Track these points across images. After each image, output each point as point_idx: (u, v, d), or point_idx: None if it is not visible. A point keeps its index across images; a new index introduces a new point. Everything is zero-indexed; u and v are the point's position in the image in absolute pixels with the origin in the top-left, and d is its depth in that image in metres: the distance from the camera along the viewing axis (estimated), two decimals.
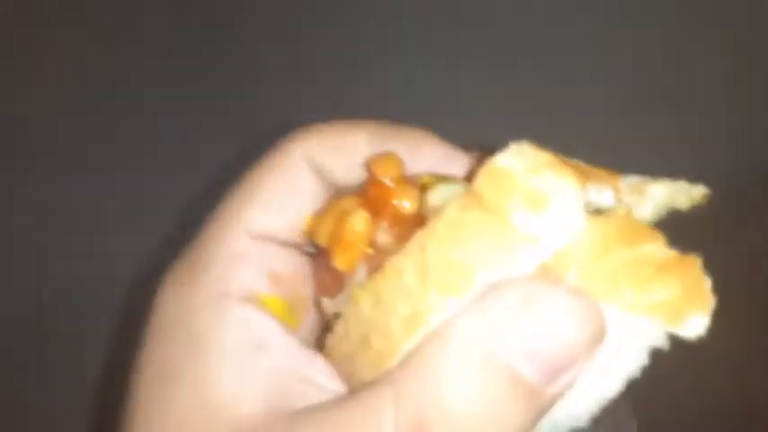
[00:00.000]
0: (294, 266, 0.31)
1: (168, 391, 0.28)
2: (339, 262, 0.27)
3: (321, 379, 0.28)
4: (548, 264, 0.23)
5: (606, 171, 0.28)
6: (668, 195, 0.28)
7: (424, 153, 0.31)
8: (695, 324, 0.24)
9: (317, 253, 0.30)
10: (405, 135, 0.31)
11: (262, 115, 0.84)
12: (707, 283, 0.24)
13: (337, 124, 0.32)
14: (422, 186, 0.29)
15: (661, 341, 0.26)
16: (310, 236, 0.30)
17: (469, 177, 0.28)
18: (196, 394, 0.27)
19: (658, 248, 0.24)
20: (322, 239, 0.29)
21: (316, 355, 0.29)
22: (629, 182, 0.28)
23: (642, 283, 0.23)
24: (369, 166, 0.30)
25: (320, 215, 0.30)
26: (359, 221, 0.27)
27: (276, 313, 0.29)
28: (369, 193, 0.29)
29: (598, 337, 0.23)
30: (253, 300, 0.29)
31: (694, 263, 0.24)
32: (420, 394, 0.24)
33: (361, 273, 0.27)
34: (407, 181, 0.29)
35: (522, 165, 0.24)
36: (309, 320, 0.31)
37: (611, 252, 0.23)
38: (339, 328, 0.27)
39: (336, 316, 0.28)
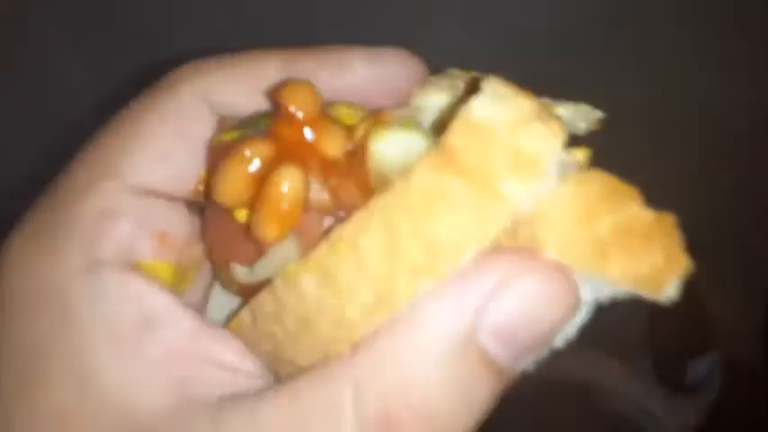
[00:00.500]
0: (183, 226, 0.25)
1: (38, 386, 0.23)
2: (267, 232, 0.22)
3: (231, 359, 0.23)
4: (527, 230, 0.20)
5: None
6: (570, 118, 0.26)
7: (350, 67, 0.26)
8: (672, 289, 0.22)
9: (213, 210, 0.25)
10: (322, 55, 0.26)
11: (158, 45, 0.73)
12: (681, 243, 0.22)
13: (241, 55, 0.26)
14: (337, 120, 0.24)
15: (607, 298, 0.23)
16: (206, 193, 0.25)
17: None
18: (76, 384, 0.22)
19: (639, 211, 0.21)
20: (225, 198, 0.23)
21: (219, 329, 0.24)
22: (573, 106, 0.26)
23: (629, 256, 0.21)
24: (277, 98, 0.24)
25: (219, 166, 0.23)
26: (292, 181, 0.22)
27: (164, 282, 0.24)
28: (280, 135, 0.24)
29: (571, 314, 0.21)
30: (134, 266, 0.24)
31: (670, 223, 0.22)
32: (385, 383, 0.21)
33: (290, 241, 0.23)
34: (325, 116, 0.24)
35: (504, 116, 0.20)
36: (200, 289, 0.26)
37: (595, 218, 0.20)
38: (260, 303, 0.22)
39: (251, 288, 0.24)
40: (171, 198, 0.25)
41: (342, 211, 0.23)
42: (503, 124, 0.20)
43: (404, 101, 0.27)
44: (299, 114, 0.24)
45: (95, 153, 0.25)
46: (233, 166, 0.23)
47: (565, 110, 0.26)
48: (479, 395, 0.21)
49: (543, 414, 0.99)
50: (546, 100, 0.26)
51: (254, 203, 0.23)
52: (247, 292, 0.24)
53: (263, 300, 0.22)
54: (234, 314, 0.24)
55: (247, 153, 0.23)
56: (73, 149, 0.26)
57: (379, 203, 0.20)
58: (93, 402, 0.22)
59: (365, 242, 0.20)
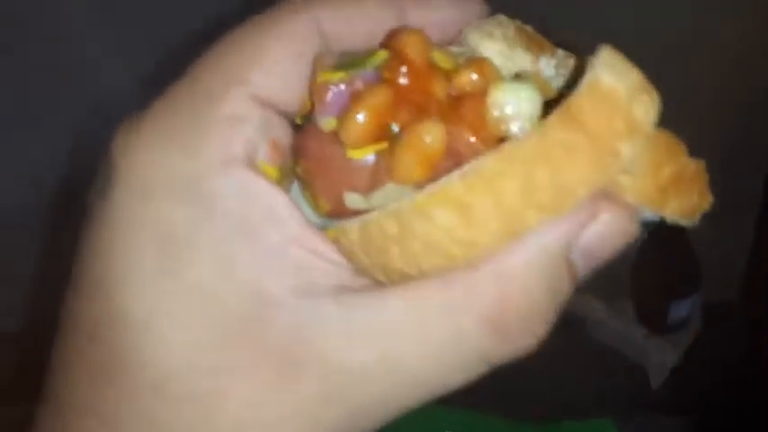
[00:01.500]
0: (288, 138, 0.27)
1: (179, 261, 0.25)
2: (412, 174, 0.25)
3: (336, 257, 0.26)
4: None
5: (548, 41, 0.31)
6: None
7: (435, 5, 0.29)
8: (698, 218, 0.28)
9: (321, 140, 0.27)
10: None
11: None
12: (707, 183, 0.28)
13: None
14: (438, 67, 0.27)
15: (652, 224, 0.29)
16: (304, 121, 0.27)
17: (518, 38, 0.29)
18: (217, 265, 0.25)
19: (687, 161, 0.27)
20: (349, 138, 0.25)
21: (320, 231, 0.26)
22: (559, 54, 0.31)
23: (680, 197, 0.27)
24: (396, 45, 0.26)
25: (350, 112, 0.26)
26: (435, 134, 0.25)
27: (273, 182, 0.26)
28: (395, 80, 0.26)
29: (631, 242, 0.27)
30: (256, 168, 0.26)
31: (702, 168, 0.28)
32: (500, 286, 0.25)
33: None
34: (432, 63, 0.26)
35: (622, 86, 0.24)
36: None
37: (660, 169, 0.26)
38: (379, 225, 0.25)
39: (345, 213, 0.26)
40: (282, 112, 0.27)
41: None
42: (621, 93, 0.24)
43: (455, 39, 0.30)
44: (413, 63, 0.26)
45: (222, 60, 0.27)
46: (357, 112, 0.25)
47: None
48: (563, 297, 0.26)
49: None
50: (568, 53, 0.31)
51: (392, 146, 0.25)
52: (339, 215, 0.27)
53: (384, 221, 0.25)
54: (326, 227, 0.27)
55: (370, 101, 0.25)
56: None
57: (520, 152, 0.24)
58: (231, 282, 0.25)
59: (504, 183, 0.24)
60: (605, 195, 0.25)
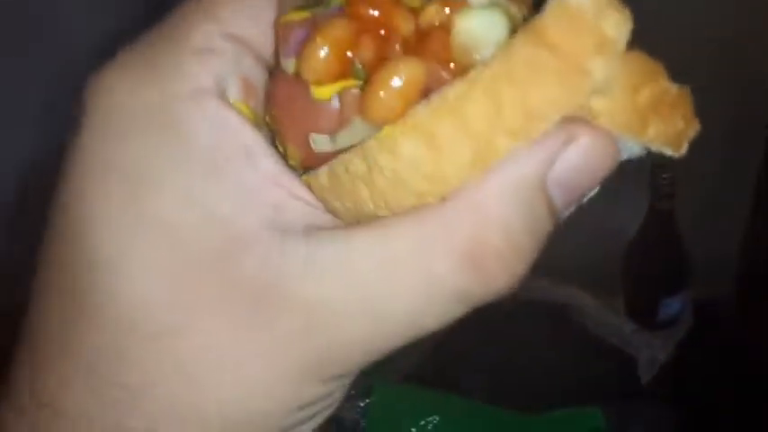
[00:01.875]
0: (261, 81, 0.27)
1: (147, 194, 0.24)
2: (381, 114, 0.24)
3: (311, 199, 0.25)
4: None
5: None
6: None
7: None
8: (684, 147, 0.27)
9: (286, 84, 0.26)
10: None
11: None
12: (692, 109, 0.27)
13: None
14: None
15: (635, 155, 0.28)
16: (274, 67, 0.27)
17: None
18: (185, 200, 0.24)
19: (667, 84, 0.25)
20: (310, 74, 0.25)
21: (295, 173, 0.26)
22: None
23: (661, 122, 0.25)
24: None
25: (309, 46, 0.25)
26: (413, 70, 0.24)
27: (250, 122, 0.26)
28: (356, 15, 0.25)
29: (611, 171, 0.25)
30: (228, 102, 0.25)
31: (687, 94, 0.26)
32: (472, 223, 0.23)
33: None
34: None
35: (589, 3, 0.23)
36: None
37: (636, 92, 0.25)
38: (346, 164, 0.25)
39: (317, 158, 0.25)
40: (257, 55, 0.27)
41: None
42: (589, 10, 0.23)
43: None
44: None
45: (193, 2, 0.26)
46: (318, 45, 0.25)
47: None
48: (543, 234, 0.24)
49: (520, 332, 1.03)
50: None
51: (369, 82, 0.24)
52: (311, 162, 0.26)
53: (350, 160, 0.24)
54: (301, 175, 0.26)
55: (330, 34, 0.25)
56: None
57: (483, 76, 0.23)
58: (199, 215, 0.24)
59: (468, 107, 0.23)
60: (581, 121, 0.24)
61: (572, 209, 0.26)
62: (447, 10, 0.25)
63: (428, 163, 0.23)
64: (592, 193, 0.26)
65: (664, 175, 1.01)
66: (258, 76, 0.27)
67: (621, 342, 1.09)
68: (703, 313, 1.15)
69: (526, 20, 0.28)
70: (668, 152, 0.26)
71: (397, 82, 0.24)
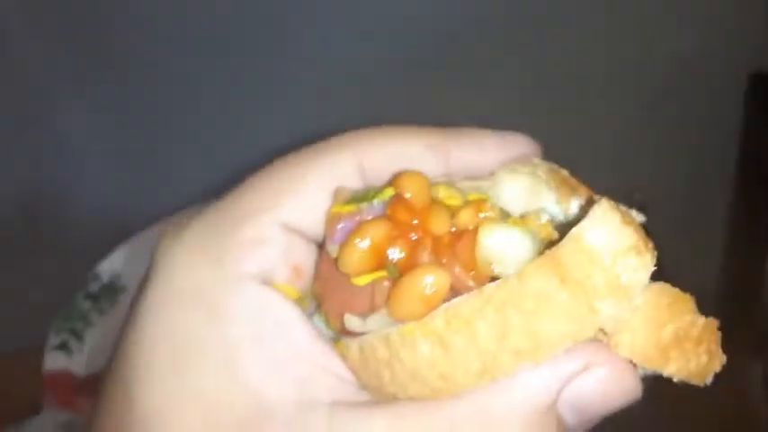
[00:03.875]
0: (311, 262, 0.30)
1: (188, 364, 0.27)
2: (405, 313, 0.26)
3: (341, 372, 0.28)
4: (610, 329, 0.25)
5: (585, 186, 0.31)
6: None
7: (484, 148, 0.31)
8: (710, 379, 0.27)
9: (331, 267, 0.29)
10: (461, 134, 0.31)
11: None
12: (719, 342, 0.27)
13: (394, 129, 0.31)
14: (442, 202, 0.29)
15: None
16: (321, 250, 0.29)
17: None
18: (222, 371, 0.27)
19: (693, 318, 0.26)
20: (347, 266, 0.28)
21: (330, 346, 0.28)
22: (592, 199, 0.30)
23: (683, 357, 0.26)
24: (396, 185, 0.29)
25: (348, 241, 0.28)
26: (438, 280, 0.26)
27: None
28: (395, 217, 0.28)
29: (632, 401, 0.26)
30: (271, 285, 0.28)
31: (714, 325, 0.27)
32: (478, 425, 0.25)
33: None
34: (433, 200, 0.29)
35: (608, 244, 0.24)
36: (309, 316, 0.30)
37: (660, 327, 0.25)
38: (372, 346, 0.27)
39: (355, 334, 0.28)
40: (309, 238, 0.30)
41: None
42: (607, 251, 0.24)
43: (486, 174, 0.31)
44: (413, 201, 0.28)
45: (261, 184, 0.29)
46: (357, 243, 0.27)
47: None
48: None
49: None
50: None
51: (394, 281, 0.27)
52: (347, 334, 0.28)
53: (376, 345, 0.27)
54: (337, 342, 0.28)
55: (372, 232, 0.28)
56: None
57: (496, 296, 0.25)
58: (235, 388, 0.27)
59: (479, 324, 0.25)
60: (600, 349, 0.25)
61: (588, 427, 0.27)
62: (481, 215, 0.27)
63: (441, 364, 0.25)
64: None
65: (636, 195, 0.99)
66: (308, 258, 0.30)
67: None
68: None
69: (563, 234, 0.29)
70: (691, 383, 0.27)
71: (421, 289, 0.26)
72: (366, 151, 0.30)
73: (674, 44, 1.00)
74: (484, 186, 0.30)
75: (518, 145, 0.31)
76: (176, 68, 0.96)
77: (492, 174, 0.31)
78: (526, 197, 0.30)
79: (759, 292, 1.14)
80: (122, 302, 0.84)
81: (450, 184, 0.30)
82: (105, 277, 0.86)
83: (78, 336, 0.83)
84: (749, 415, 1.11)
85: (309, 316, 0.30)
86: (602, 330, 0.25)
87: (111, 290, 0.86)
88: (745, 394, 1.11)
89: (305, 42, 0.95)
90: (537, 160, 0.31)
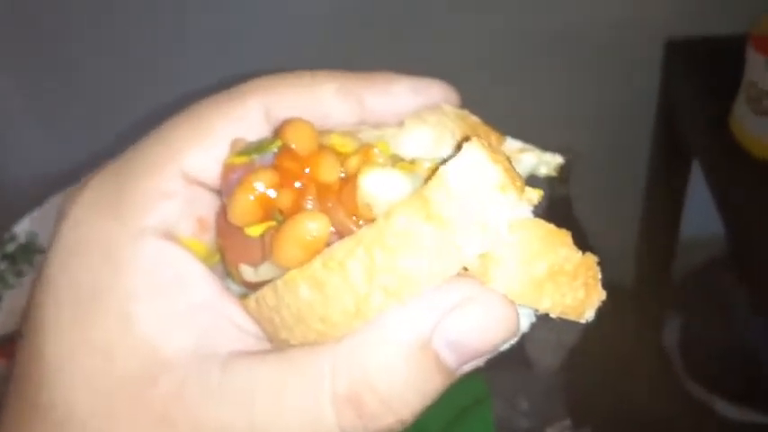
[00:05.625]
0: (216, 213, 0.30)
1: (89, 315, 0.27)
2: (287, 260, 0.27)
3: (244, 322, 0.28)
4: (476, 266, 0.25)
5: (496, 133, 0.31)
6: (534, 164, 0.32)
7: (395, 93, 0.30)
8: (590, 314, 0.27)
9: (226, 220, 0.29)
10: (373, 80, 0.30)
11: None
12: (599, 278, 0.27)
13: (302, 74, 0.30)
14: (332, 148, 0.29)
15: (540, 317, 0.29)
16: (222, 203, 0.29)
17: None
18: (120, 323, 0.27)
19: (568, 253, 0.26)
20: (237, 218, 0.28)
21: (234, 298, 0.29)
22: (509, 146, 0.31)
23: (559, 293, 0.26)
24: (281, 134, 0.29)
25: (235, 193, 0.28)
26: (318, 226, 0.26)
27: (198, 256, 0.29)
28: (283, 166, 0.28)
29: (511, 337, 0.26)
30: (173, 239, 0.28)
31: (592, 261, 0.27)
32: (356, 368, 0.25)
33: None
34: (321, 146, 0.29)
35: (473, 182, 0.24)
36: (219, 271, 0.30)
37: (534, 261, 0.25)
38: (264, 296, 0.27)
39: (256, 285, 0.28)
40: (214, 189, 0.29)
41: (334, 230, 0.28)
42: (471, 189, 0.24)
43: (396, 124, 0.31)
44: (299, 150, 0.28)
45: (164, 136, 0.29)
46: (244, 193, 0.28)
47: (531, 156, 0.31)
48: (429, 388, 0.26)
49: None
50: (517, 144, 0.31)
51: (277, 229, 0.27)
52: (249, 286, 0.29)
53: (266, 294, 0.27)
54: (242, 297, 0.29)
55: (256, 183, 0.28)
56: None
57: (365, 236, 0.25)
58: (132, 339, 0.27)
59: (351, 265, 0.25)
60: (473, 284, 0.25)
61: (474, 365, 0.27)
62: (358, 161, 0.28)
63: (321, 307, 0.26)
64: (506, 345, 0.27)
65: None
66: (213, 206, 0.30)
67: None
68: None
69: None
70: (570, 318, 0.27)
71: (301, 235, 0.26)
72: (273, 98, 0.29)
73: (595, 12, 1.02)
74: (387, 135, 0.30)
75: (432, 91, 0.31)
76: (103, 23, 0.95)
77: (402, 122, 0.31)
78: (430, 145, 0.30)
79: (674, 252, 1.17)
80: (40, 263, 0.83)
81: (346, 132, 0.30)
82: (22, 237, 0.85)
83: None
84: (667, 367, 1.15)
85: (222, 273, 0.30)
86: (468, 268, 0.25)
87: (29, 250, 0.84)
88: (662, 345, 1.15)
89: None
90: (447, 107, 0.31)
